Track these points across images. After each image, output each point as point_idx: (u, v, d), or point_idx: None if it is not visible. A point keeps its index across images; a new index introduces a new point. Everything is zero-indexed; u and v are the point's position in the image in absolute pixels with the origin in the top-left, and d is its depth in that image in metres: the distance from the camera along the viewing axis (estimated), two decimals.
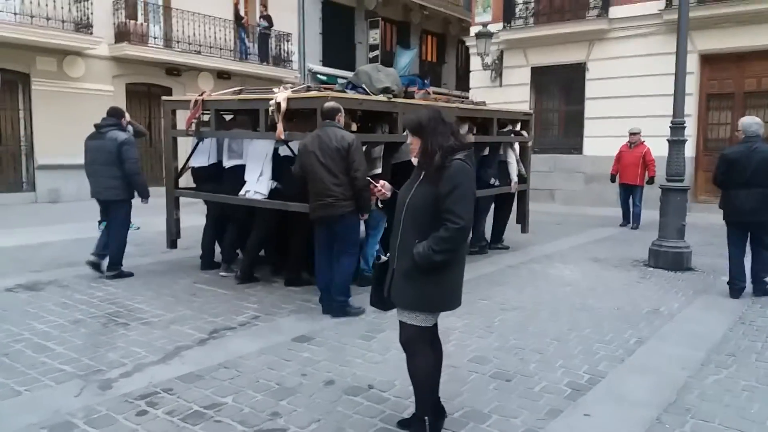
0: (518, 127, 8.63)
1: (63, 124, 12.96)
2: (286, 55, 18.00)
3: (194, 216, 7.66)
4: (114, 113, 6.51)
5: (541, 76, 14.95)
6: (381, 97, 5.96)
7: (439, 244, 2.73)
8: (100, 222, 7.10)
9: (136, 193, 6.43)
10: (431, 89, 8.13)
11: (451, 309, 2.98)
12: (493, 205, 8.34)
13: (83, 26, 13.61)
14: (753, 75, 12.46)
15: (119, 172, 6.23)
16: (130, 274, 6.48)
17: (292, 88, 5.77)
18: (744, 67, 12.54)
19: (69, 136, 11.31)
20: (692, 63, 12.67)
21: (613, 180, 11.19)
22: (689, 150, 12.83)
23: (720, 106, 12.89)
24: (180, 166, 7.01)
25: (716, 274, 6.93)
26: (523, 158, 8.49)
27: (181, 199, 7.05)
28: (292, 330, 4.73)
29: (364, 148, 5.49)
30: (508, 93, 14.69)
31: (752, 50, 12.19)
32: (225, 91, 6.47)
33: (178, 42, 15.44)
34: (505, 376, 3.87)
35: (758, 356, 4.32)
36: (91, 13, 13.60)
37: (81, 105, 13.24)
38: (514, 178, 8.12)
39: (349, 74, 19.86)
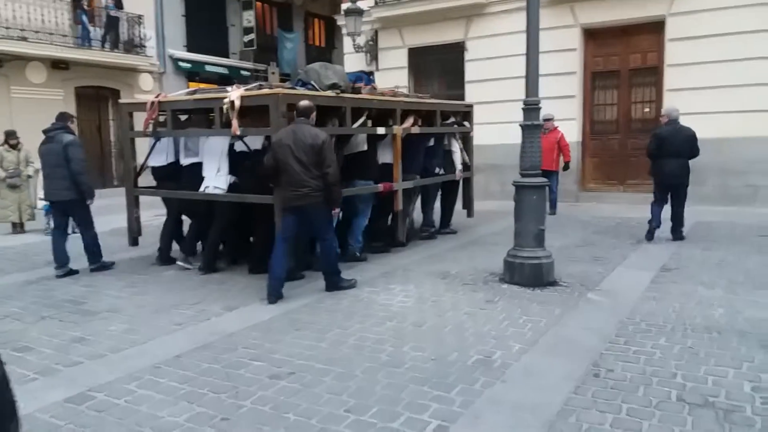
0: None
1: None
2: (139, 40, 15.75)
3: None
4: (61, 117, 6.85)
5: (418, 58, 13.49)
6: (329, 93, 6.32)
7: None
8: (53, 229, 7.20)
9: None
10: (376, 84, 8.58)
11: None
12: (440, 193, 8.83)
13: None
14: (638, 50, 11.40)
15: (68, 172, 6.49)
16: (112, 264, 6.97)
17: (244, 87, 6.14)
18: (629, 42, 11.46)
19: None
20: (575, 38, 11.53)
21: None
22: (574, 134, 11.71)
23: (606, 85, 11.76)
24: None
25: (583, 290, 5.58)
26: (467, 148, 9.10)
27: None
28: None
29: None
30: (386, 77, 13.00)
31: (636, 23, 11.12)
32: (180, 92, 7.03)
33: None
34: None
35: None
36: None
37: None
38: (459, 166, 8.73)
39: (220, 60, 18.08)
